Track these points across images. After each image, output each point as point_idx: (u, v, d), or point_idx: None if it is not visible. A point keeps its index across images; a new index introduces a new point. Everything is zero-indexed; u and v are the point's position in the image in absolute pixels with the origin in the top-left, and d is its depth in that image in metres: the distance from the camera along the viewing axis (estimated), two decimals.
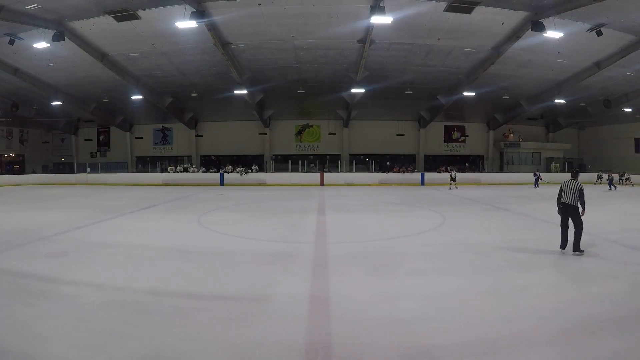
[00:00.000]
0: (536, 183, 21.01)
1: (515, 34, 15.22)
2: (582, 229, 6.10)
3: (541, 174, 22.14)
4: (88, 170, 24.72)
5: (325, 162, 27.31)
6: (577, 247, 6.04)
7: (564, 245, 6.21)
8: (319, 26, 15.23)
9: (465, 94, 20.95)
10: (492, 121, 27.58)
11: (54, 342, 3.27)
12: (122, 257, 6.11)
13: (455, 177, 20.85)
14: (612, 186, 19.55)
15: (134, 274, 5.22)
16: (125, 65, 18.97)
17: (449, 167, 24.81)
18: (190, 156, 28.15)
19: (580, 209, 6.17)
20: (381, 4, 12.43)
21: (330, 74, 20.23)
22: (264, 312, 3.96)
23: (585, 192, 6.18)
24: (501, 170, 27.62)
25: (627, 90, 21.53)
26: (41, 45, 14.62)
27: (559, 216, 6.36)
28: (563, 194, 6.26)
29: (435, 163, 26.57)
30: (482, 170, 27.00)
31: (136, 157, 29.10)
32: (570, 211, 6.17)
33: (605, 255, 6.13)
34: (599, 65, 17.97)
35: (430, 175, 22.87)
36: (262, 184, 22.76)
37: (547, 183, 20.98)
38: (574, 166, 26.61)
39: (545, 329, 3.51)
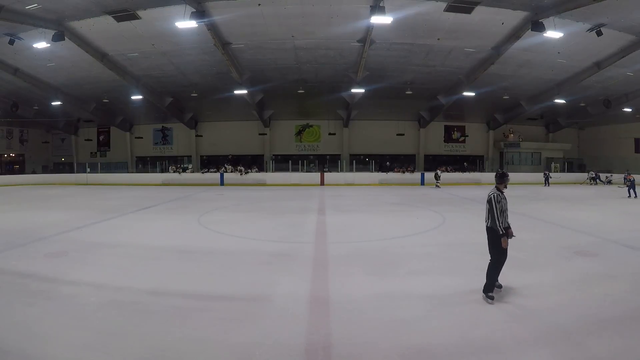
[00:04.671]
0: (546, 182, 22.47)
1: (515, 34, 15.22)
2: (494, 262, 4.32)
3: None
4: (88, 170, 24.73)
5: (325, 162, 27.32)
6: (486, 288, 4.28)
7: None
8: (319, 26, 15.23)
9: (465, 94, 20.95)
10: (492, 121, 27.58)
11: (54, 342, 3.27)
12: (122, 257, 6.11)
13: (440, 176, 21.59)
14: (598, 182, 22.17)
15: (134, 274, 5.23)
16: (125, 65, 18.97)
17: (448, 168, 24.88)
18: (190, 156, 28.15)
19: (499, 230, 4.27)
20: (381, 4, 12.43)
21: (330, 74, 20.23)
22: (264, 312, 3.96)
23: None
24: (501, 168, 27.60)
25: (627, 90, 21.54)
26: (41, 45, 14.61)
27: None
28: None
29: (435, 163, 26.57)
30: (482, 170, 26.99)
31: (136, 157, 29.10)
32: (487, 235, 4.45)
33: (605, 255, 6.13)
34: (599, 65, 17.97)
35: (431, 175, 22.83)
36: (262, 184, 22.76)
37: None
38: (574, 166, 26.70)
39: (545, 329, 3.51)
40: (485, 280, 4.31)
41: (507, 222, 4.39)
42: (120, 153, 28.84)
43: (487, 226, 4.43)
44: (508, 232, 4.34)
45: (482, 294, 4.30)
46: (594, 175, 23.06)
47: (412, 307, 4.05)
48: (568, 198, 15.33)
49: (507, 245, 4.29)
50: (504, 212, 4.35)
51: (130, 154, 28.79)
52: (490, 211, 4.36)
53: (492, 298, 4.21)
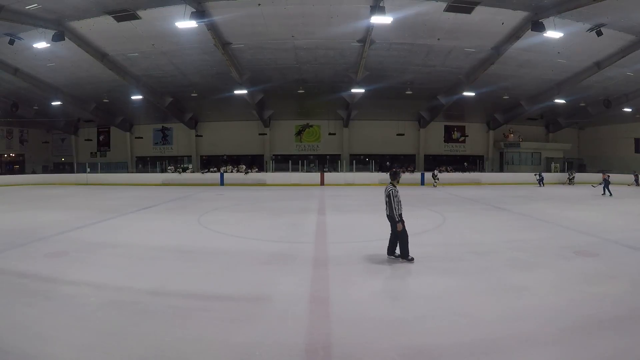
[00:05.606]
0: (540, 183, 22.42)
1: (515, 34, 15.22)
2: (405, 239, 5.56)
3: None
4: (88, 170, 24.73)
5: (325, 162, 27.33)
6: (403, 255, 5.63)
7: (389, 251, 5.77)
8: (319, 26, 15.23)
9: (465, 94, 20.95)
10: (492, 121, 27.58)
11: (54, 342, 3.27)
12: (122, 257, 6.11)
13: (437, 176, 21.78)
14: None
15: (134, 274, 5.22)
16: (125, 65, 18.97)
17: (448, 168, 24.91)
18: (190, 156, 28.16)
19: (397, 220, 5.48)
20: (381, 4, 12.43)
21: (330, 74, 20.23)
22: (264, 312, 3.96)
23: (396, 197, 5.52)
24: (501, 170, 27.63)
25: (627, 90, 21.54)
26: (41, 45, 14.61)
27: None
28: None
29: (435, 163, 26.58)
30: (482, 170, 27.00)
31: (136, 157, 29.11)
32: (389, 221, 5.66)
33: (605, 255, 6.13)
34: (599, 65, 17.97)
35: (431, 175, 22.85)
36: (262, 184, 22.76)
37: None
38: (574, 166, 26.71)
39: (545, 329, 3.51)
40: (400, 252, 5.65)
41: (401, 211, 5.54)
42: (120, 153, 28.84)
43: (387, 214, 5.64)
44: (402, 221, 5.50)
45: (402, 260, 5.59)
46: (572, 176, 23.72)
47: (412, 307, 4.05)
48: (568, 198, 15.34)
49: (402, 228, 5.51)
50: (399, 202, 5.53)
51: (130, 154, 28.79)
52: (389, 204, 5.50)
53: (412, 259, 5.54)
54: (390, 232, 5.78)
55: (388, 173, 5.88)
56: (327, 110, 25.70)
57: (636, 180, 20.97)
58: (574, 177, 23.63)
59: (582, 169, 27.52)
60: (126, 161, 28.39)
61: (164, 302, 4.20)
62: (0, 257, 6.00)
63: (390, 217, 5.56)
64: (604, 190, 15.96)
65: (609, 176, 16.46)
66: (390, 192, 5.54)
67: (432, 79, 20.81)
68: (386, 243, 5.90)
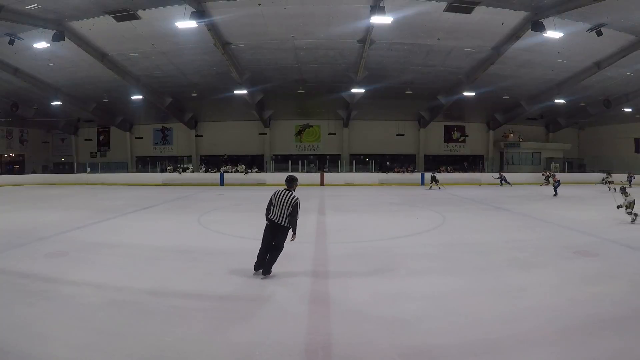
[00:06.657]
0: (502, 182, 21.82)
1: (515, 34, 15.22)
2: (280, 252, 4.99)
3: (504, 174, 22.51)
4: (88, 170, 24.71)
5: (325, 162, 27.31)
6: (267, 270, 4.96)
7: (258, 266, 5.05)
8: (319, 26, 15.23)
9: (465, 94, 20.94)
10: (492, 121, 27.56)
11: (54, 342, 3.27)
12: (122, 257, 6.11)
13: (436, 178, 21.07)
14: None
15: (134, 274, 5.22)
16: (125, 65, 18.96)
17: (448, 167, 24.89)
18: (190, 156, 28.15)
19: (291, 233, 4.91)
20: (381, 4, 12.43)
21: (330, 74, 20.22)
22: (264, 312, 3.96)
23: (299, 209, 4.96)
24: (501, 170, 27.57)
25: (627, 90, 21.52)
26: (41, 45, 14.60)
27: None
28: (272, 208, 4.99)
29: (435, 163, 26.57)
30: (482, 170, 26.98)
31: (136, 157, 29.08)
32: (277, 231, 4.93)
33: (605, 255, 6.13)
34: (599, 65, 17.96)
35: (430, 176, 22.83)
36: (262, 184, 22.75)
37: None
38: (574, 166, 26.62)
39: (545, 329, 3.51)
40: (267, 266, 4.98)
41: None
42: (120, 153, 28.82)
43: (281, 224, 4.88)
44: None
45: (262, 275, 4.94)
46: (548, 175, 22.79)
47: (412, 307, 4.04)
48: (567, 198, 15.33)
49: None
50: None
51: (130, 154, 28.77)
52: (293, 215, 4.86)
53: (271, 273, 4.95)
54: (261, 244, 5.08)
55: (285, 179, 5.17)
56: (327, 110, 25.67)
57: (629, 181, 20.82)
58: (550, 177, 22.03)
59: (582, 169, 27.50)
60: (126, 161, 28.36)
61: (164, 302, 4.20)
62: (0, 257, 6.00)
63: (289, 227, 4.89)
64: (556, 192, 16.13)
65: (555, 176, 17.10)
66: (297, 202, 4.91)
67: (432, 79, 20.80)
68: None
